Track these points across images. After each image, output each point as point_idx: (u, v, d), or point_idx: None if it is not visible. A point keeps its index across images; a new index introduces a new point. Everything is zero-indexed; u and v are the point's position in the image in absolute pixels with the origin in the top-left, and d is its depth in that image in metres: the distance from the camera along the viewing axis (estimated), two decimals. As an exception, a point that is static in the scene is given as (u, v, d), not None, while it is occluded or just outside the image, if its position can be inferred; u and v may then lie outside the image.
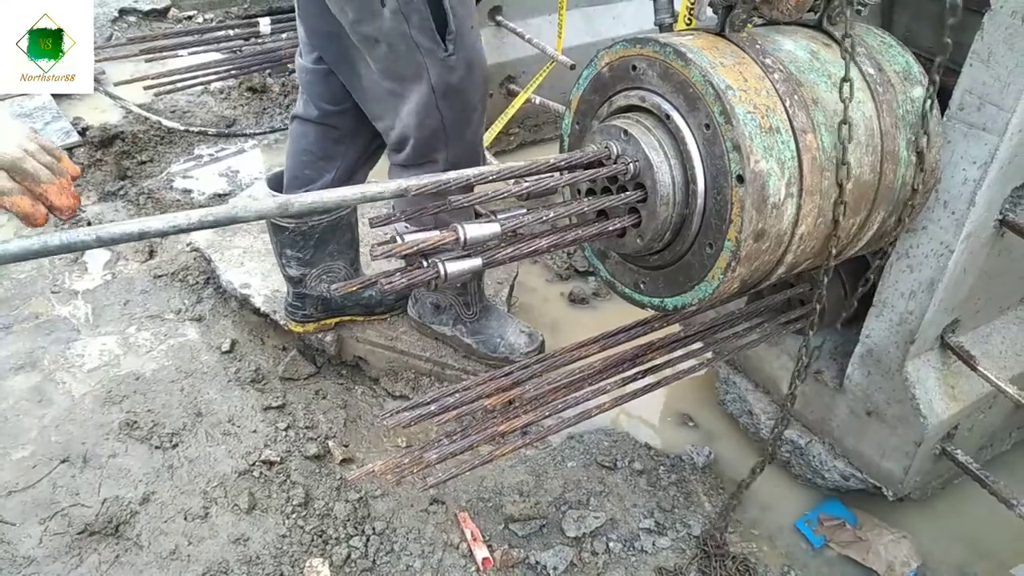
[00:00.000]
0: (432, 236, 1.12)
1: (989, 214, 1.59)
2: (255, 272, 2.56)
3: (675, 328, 1.82)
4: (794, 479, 2.17)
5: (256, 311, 2.52)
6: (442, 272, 1.15)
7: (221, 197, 3.20)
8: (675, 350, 1.79)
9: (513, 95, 3.16)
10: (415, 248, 1.11)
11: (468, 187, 1.18)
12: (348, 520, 2.01)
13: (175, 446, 2.19)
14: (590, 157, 1.32)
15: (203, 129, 3.41)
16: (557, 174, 1.36)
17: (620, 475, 2.17)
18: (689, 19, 2.12)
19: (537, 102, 3.13)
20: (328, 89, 2.09)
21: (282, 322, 2.44)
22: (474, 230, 1.15)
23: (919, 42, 1.65)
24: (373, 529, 1.99)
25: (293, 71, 3.88)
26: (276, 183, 2.26)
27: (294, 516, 2.02)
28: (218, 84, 3.79)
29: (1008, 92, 1.42)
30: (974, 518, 2.12)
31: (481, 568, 1.90)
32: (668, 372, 1.74)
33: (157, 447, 2.19)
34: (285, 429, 2.25)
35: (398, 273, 1.15)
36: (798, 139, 1.25)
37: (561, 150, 1.57)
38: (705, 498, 2.12)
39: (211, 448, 2.19)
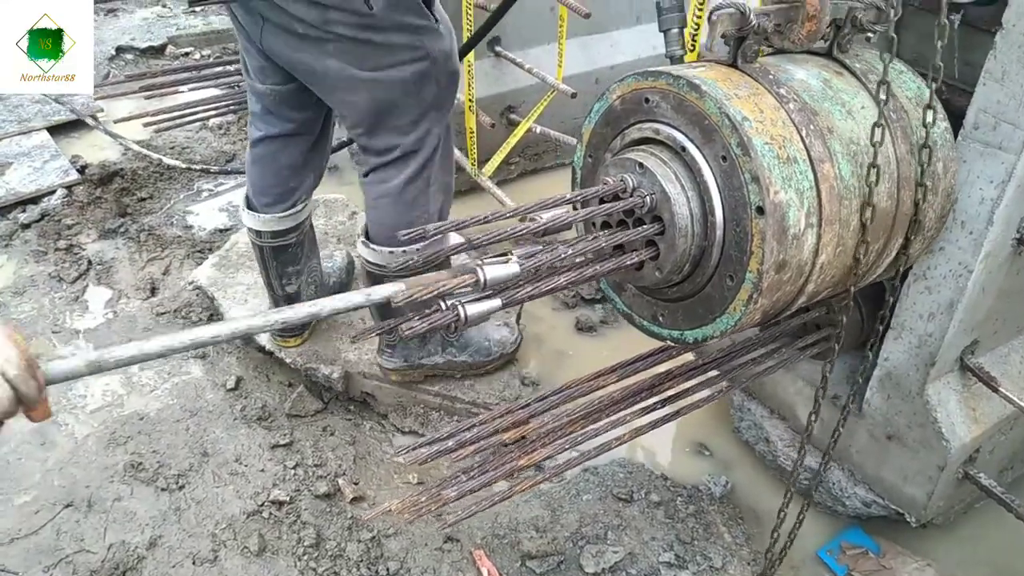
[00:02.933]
0: (453, 279, 1.10)
1: (1007, 233, 1.57)
2: (259, 309, 2.52)
3: (692, 355, 1.80)
4: (813, 507, 2.13)
5: (261, 348, 2.48)
6: (462, 315, 1.13)
7: (223, 232, 3.17)
8: (692, 378, 1.77)
9: (514, 124, 3.16)
10: (436, 291, 1.08)
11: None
12: (361, 561, 1.97)
13: (182, 487, 2.15)
14: (607, 191, 1.30)
15: (205, 167, 3.39)
16: (571, 209, 1.34)
17: (637, 507, 2.13)
18: (693, 45, 2.11)
19: (538, 131, 3.12)
20: (299, 100, 2.07)
21: (276, 349, 2.42)
22: (493, 271, 1.13)
23: (927, 64, 1.64)
24: (387, 569, 1.95)
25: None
26: (249, 204, 2.29)
27: (305, 558, 1.97)
28: (216, 120, 3.78)
29: (1024, 111, 1.41)
30: (998, 542, 2.08)
31: (499, 608, 1.86)
32: (686, 401, 1.71)
33: (163, 489, 2.15)
34: (294, 467, 2.21)
35: (417, 318, 1.13)
36: (816, 169, 1.23)
37: (573, 183, 1.55)
38: (724, 529, 2.08)
39: (219, 489, 2.15)
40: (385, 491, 2.19)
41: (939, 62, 1.29)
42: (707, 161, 1.24)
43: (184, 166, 3.32)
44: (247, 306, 2.54)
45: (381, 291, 1.08)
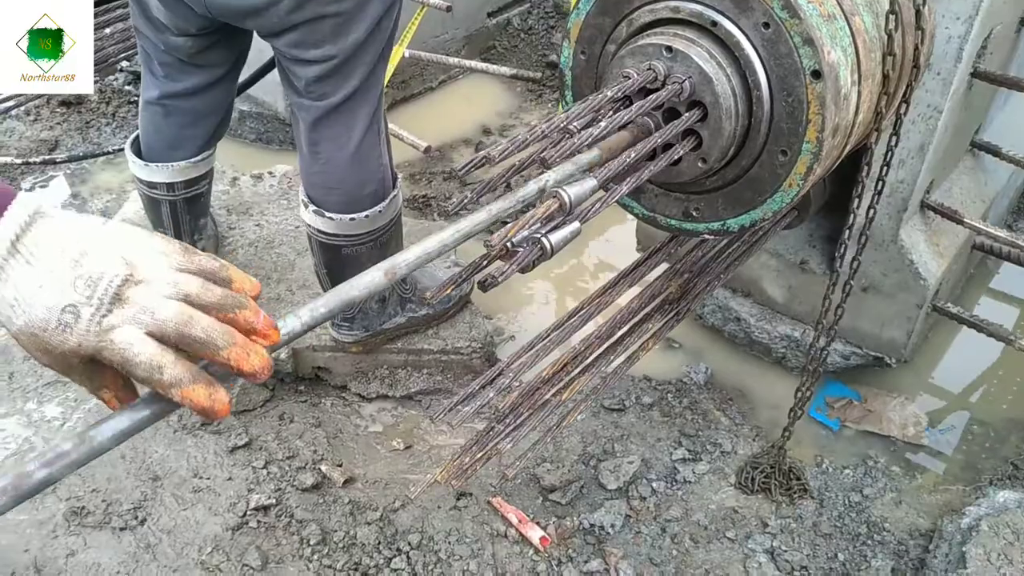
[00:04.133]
0: (537, 210, 0.96)
1: (966, 68, 1.61)
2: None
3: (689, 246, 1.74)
4: (789, 371, 2.19)
5: (183, 347, 2.19)
6: (547, 246, 0.99)
7: (79, 230, 2.74)
8: (690, 273, 1.73)
9: (382, 50, 2.91)
10: (529, 224, 0.94)
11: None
12: (379, 543, 1.81)
13: (143, 521, 1.88)
14: (635, 84, 1.18)
15: (48, 158, 2.89)
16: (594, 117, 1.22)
17: (632, 414, 2.10)
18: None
19: (407, 56, 2.91)
20: (226, 43, 1.85)
21: None
22: (576, 190, 0.99)
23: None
24: (409, 544, 1.81)
25: (122, 69, 3.40)
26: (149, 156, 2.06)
27: (316, 557, 1.80)
28: (17, 109, 3.22)
29: (988, -59, 1.42)
30: (946, 364, 2.25)
31: (540, 548, 1.78)
32: (691, 295, 1.68)
33: (122, 528, 1.86)
34: (264, 467, 1.99)
35: (500, 263, 0.98)
36: (850, 23, 1.18)
37: (562, 87, 1.42)
38: (720, 413, 2.10)
39: (187, 512, 1.90)
40: (374, 465, 2.02)
41: None
42: (744, 32, 1.15)
43: (19, 161, 2.81)
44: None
45: (477, 218, 0.92)
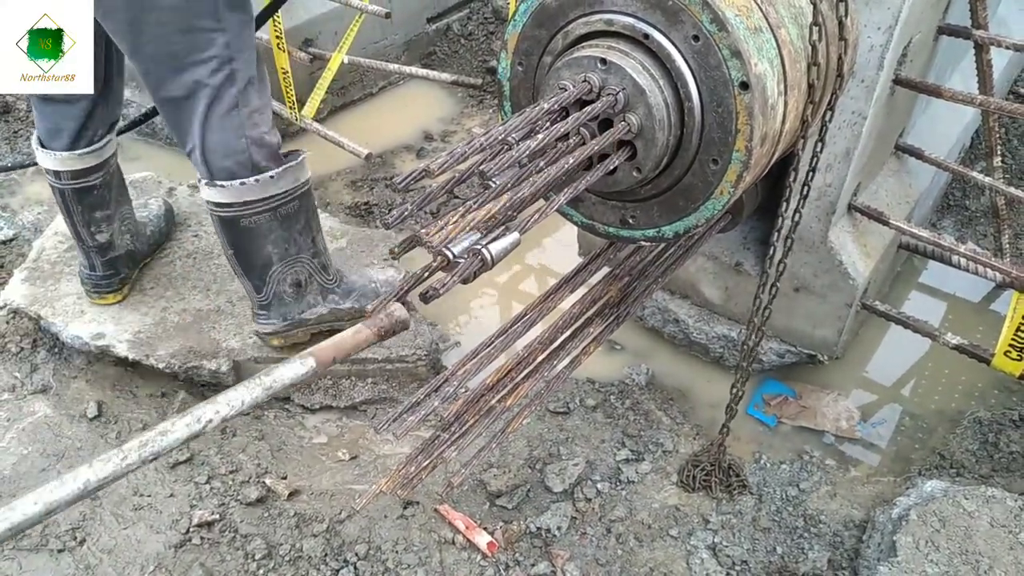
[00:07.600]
0: (477, 213, 0.98)
1: (888, 76, 1.68)
2: (104, 318, 2.16)
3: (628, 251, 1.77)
4: (727, 371, 2.25)
5: (121, 360, 2.14)
6: (488, 257, 1.01)
7: (5, 244, 2.66)
8: (629, 278, 1.76)
9: (320, 58, 2.89)
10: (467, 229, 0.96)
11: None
12: (325, 555, 1.80)
13: (82, 542, 1.84)
14: (571, 96, 1.21)
15: None
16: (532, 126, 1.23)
17: (577, 416, 2.13)
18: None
19: (346, 62, 2.89)
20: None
21: (142, 357, 2.09)
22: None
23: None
24: (356, 555, 1.81)
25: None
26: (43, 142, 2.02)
27: (262, 572, 1.78)
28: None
29: (904, -45, 1.48)
30: (877, 359, 2.33)
31: (488, 554, 1.79)
32: (631, 298, 1.71)
33: (60, 550, 1.82)
34: (207, 482, 1.96)
35: (441, 274, 1.00)
36: (776, 35, 1.22)
37: (501, 98, 1.43)
38: (661, 413, 2.15)
39: (127, 530, 1.86)
40: (319, 476, 2.00)
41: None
42: (675, 45, 1.18)
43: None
44: (86, 317, 2.15)
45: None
